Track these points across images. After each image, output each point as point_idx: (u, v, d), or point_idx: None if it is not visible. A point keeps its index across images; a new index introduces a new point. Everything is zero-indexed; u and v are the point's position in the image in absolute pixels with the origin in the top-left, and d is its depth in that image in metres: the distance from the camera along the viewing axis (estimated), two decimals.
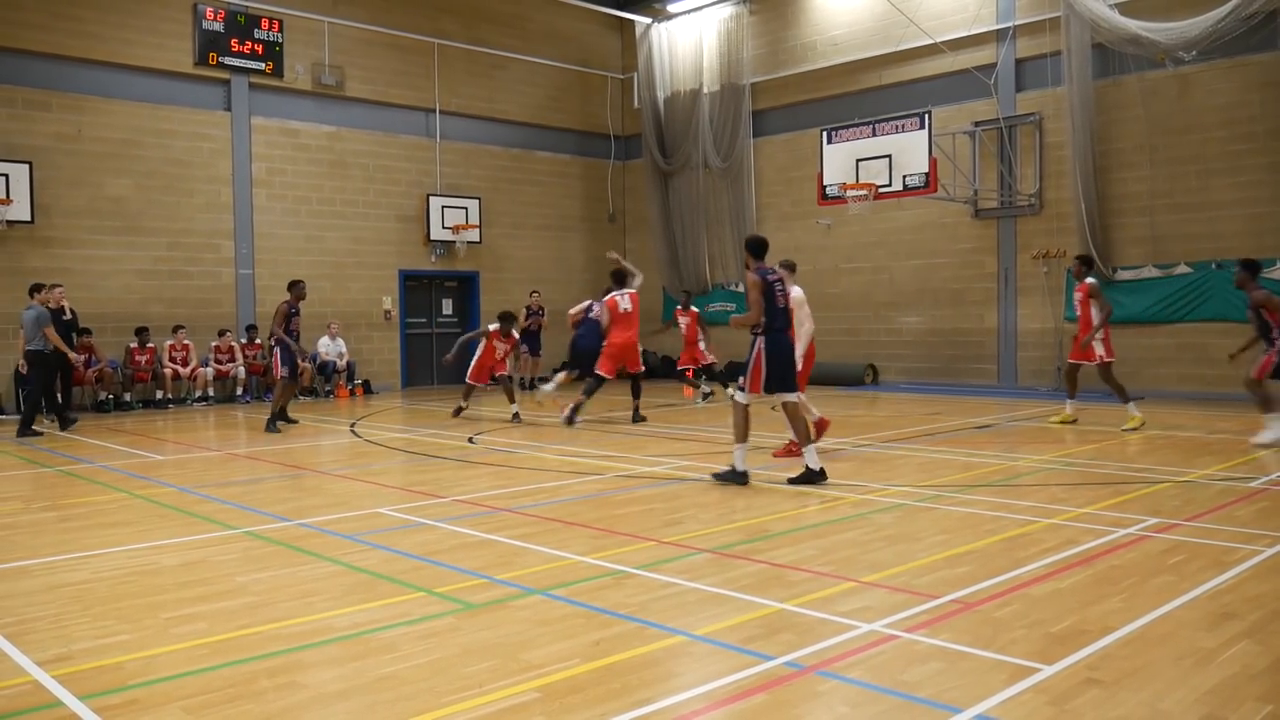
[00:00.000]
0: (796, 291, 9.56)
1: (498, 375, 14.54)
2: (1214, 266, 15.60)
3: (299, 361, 13.43)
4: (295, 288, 13.42)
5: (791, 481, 8.44)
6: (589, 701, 3.72)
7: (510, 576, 5.53)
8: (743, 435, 8.45)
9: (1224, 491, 7.86)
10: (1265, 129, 15.06)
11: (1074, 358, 12.52)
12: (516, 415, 14.06)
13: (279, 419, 13.37)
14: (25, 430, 12.92)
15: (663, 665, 4.19)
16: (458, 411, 14.46)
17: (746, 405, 8.48)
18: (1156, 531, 6.45)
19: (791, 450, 9.93)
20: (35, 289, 13.58)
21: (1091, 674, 3.94)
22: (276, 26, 18.75)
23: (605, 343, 13.52)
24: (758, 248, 8.64)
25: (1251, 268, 11.09)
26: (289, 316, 13.09)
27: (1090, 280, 12.24)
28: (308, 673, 4.10)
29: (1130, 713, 3.57)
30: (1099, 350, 12.05)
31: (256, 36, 18.50)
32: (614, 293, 13.58)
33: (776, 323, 8.43)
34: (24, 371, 13.84)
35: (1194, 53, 15.21)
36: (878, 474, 8.99)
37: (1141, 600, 4.92)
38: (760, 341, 8.42)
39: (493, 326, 14.48)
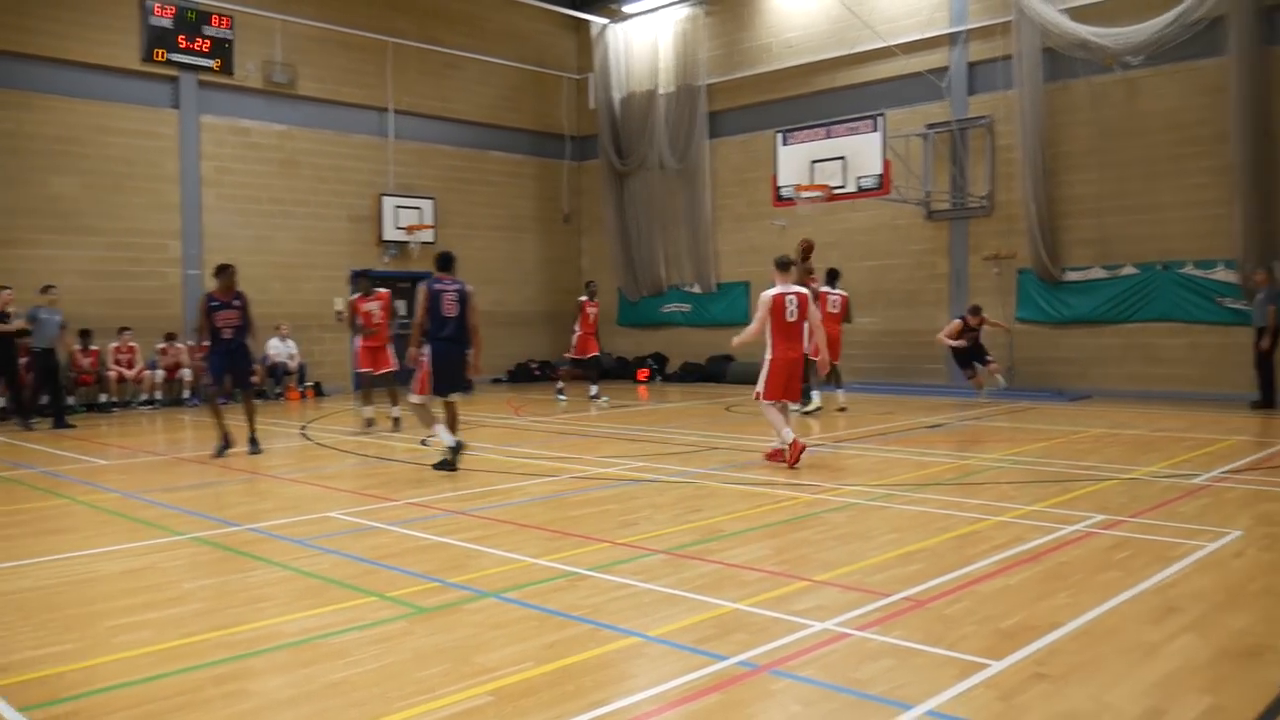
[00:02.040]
0: (764, 295, 9.63)
1: (380, 372, 13.08)
2: (1160, 268, 15.90)
3: (194, 362, 10.98)
4: (217, 275, 10.97)
5: (435, 467, 9.34)
6: (543, 704, 3.70)
7: (463, 580, 5.49)
8: (429, 421, 9.38)
9: (1168, 488, 8.01)
10: (1209, 133, 15.39)
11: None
12: (397, 421, 12.95)
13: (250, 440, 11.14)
14: (59, 424, 14.00)
15: (617, 667, 4.18)
16: (369, 424, 12.93)
17: (421, 404, 9.37)
18: (1103, 528, 6.55)
19: (777, 455, 9.61)
20: (45, 289, 14.52)
21: (1039, 669, 3.99)
22: (226, 23, 18.48)
23: None
24: (441, 261, 9.54)
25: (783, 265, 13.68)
26: (207, 312, 10.74)
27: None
28: (256, 680, 4.03)
29: (1077, 706, 3.62)
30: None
31: (205, 33, 18.22)
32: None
33: (442, 331, 9.21)
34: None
35: (1141, 58, 15.53)
36: (831, 473, 9.05)
37: (1088, 596, 4.99)
38: (426, 347, 9.25)
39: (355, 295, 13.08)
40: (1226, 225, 15.14)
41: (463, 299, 9.30)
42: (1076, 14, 16.24)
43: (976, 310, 15.04)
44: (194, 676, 4.05)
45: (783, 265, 9.76)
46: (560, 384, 18.14)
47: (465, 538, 6.58)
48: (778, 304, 9.53)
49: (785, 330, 9.56)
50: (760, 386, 9.66)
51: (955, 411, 14.40)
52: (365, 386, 13.35)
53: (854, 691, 3.79)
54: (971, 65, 17.91)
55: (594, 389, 16.98)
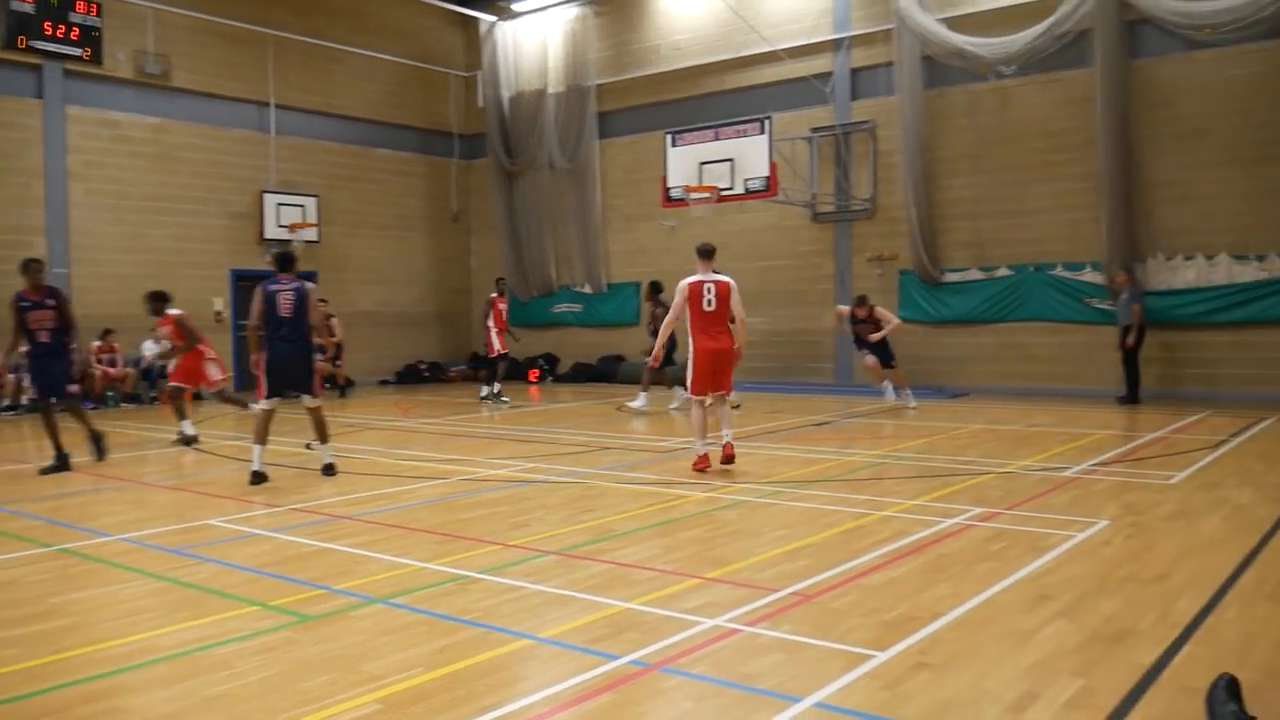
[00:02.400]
0: (681, 283, 9.16)
1: (210, 389, 12.20)
2: (1032, 270, 16.57)
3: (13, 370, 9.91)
4: (23, 271, 9.85)
5: (324, 471, 9.18)
6: (433, 710, 3.64)
7: (350, 586, 5.37)
8: (259, 435, 8.98)
9: (1041, 481, 8.34)
10: (1077, 140, 16.10)
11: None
12: (251, 405, 11.41)
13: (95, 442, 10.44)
14: None
15: (508, 670, 4.15)
16: (188, 440, 11.65)
17: (267, 410, 9.07)
18: (981, 520, 6.79)
19: (697, 463, 9.13)
20: None
21: (922, 658, 4.10)
22: (95, 10, 17.67)
23: None
24: (279, 261, 9.26)
25: (656, 288, 15.38)
26: (18, 313, 9.71)
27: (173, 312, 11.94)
28: (131, 696, 3.87)
29: (957, 693, 3.74)
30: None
31: (72, 20, 17.39)
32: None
33: (277, 332, 8.98)
34: None
35: (1013, 67, 16.19)
36: (720, 472, 9.14)
37: (967, 586, 5.16)
38: (265, 351, 9.06)
39: (173, 311, 11.85)
40: (1093, 229, 15.88)
41: (299, 298, 9.00)
42: (954, 24, 16.82)
43: (861, 300, 15.03)
44: (64, 695, 3.87)
45: (705, 252, 9.28)
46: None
47: (351, 543, 6.44)
48: (694, 291, 9.04)
49: (703, 320, 9.04)
50: (688, 382, 9.28)
51: (841, 409, 14.74)
52: (175, 400, 12.01)
53: (744, 686, 3.84)
54: (854, 71, 18.35)
55: (485, 389, 16.82)
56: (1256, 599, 4.91)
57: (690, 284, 9.11)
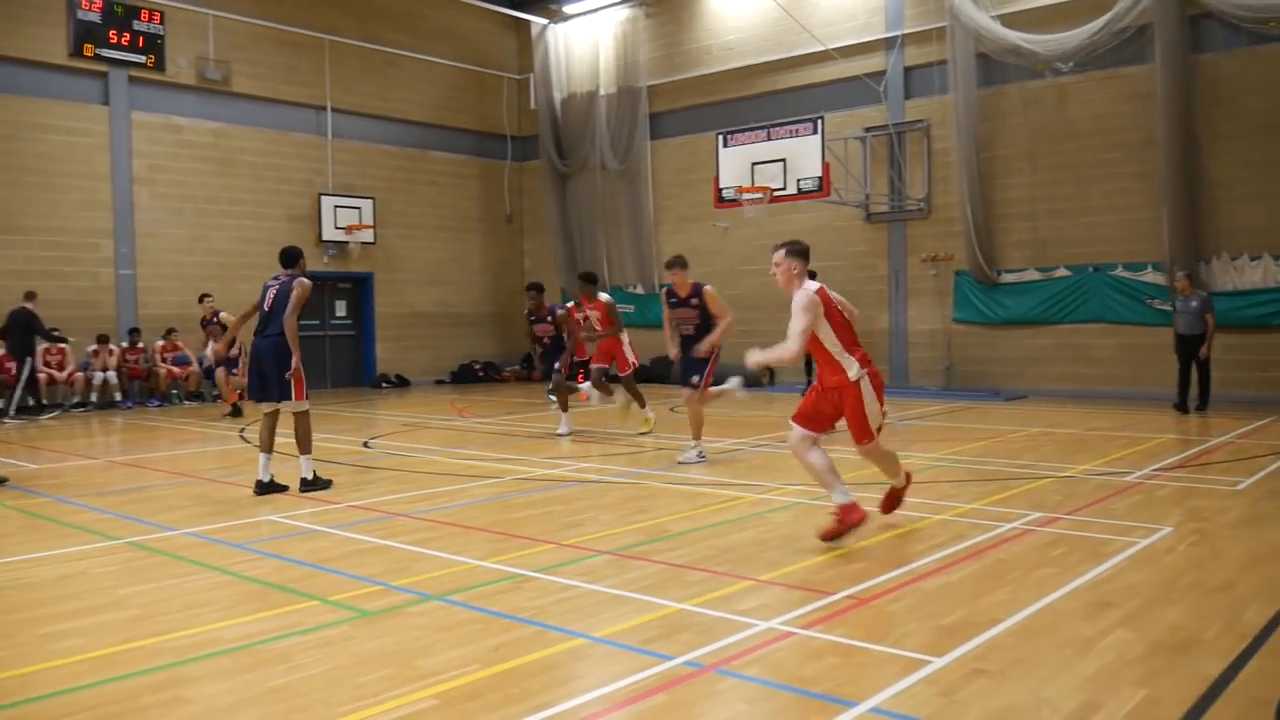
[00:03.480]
0: (807, 294, 6.37)
1: None
2: (1091, 270, 16.29)
3: None
4: None
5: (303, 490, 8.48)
6: (488, 707, 3.68)
7: (407, 583, 5.44)
8: (263, 444, 8.52)
9: (1101, 486, 8.20)
10: (1135, 138, 15.79)
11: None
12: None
13: None
14: None
15: (563, 668, 4.17)
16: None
17: (266, 414, 8.63)
18: (1039, 525, 6.69)
19: (896, 496, 7.08)
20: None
21: (979, 664, 4.06)
22: (157, 18, 18.11)
23: None
24: (281, 255, 8.77)
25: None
26: None
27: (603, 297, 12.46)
28: (194, 686, 3.96)
29: (1015, 701, 3.69)
30: (629, 356, 12.55)
31: (136, 28, 17.84)
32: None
33: (258, 326, 8.55)
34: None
35: (1071, 64, 15.93)
36: (774, 473, 9.11)
37: (1026, 592, 5.09)
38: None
39: None
40: (1154, 229, 15.56)
41: (281, 293, 8.44)
42: (1008, 20, 16.59)
43: (676, 263, 10.06)
44: (131, 684, 3.97)
45: (803, 254, 6.58)
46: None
47: (408, 540, 6.52)
48: (827, 301, 6.44)
49: (853, 331, 6.65)
50: (874, 422, 6.80)
51: (896, 411, 14.59)
52: None
53: (798, 690, 3.83)
54: (907, 70, 18.17)
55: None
56: None
57: (820, 292, 6.43)
